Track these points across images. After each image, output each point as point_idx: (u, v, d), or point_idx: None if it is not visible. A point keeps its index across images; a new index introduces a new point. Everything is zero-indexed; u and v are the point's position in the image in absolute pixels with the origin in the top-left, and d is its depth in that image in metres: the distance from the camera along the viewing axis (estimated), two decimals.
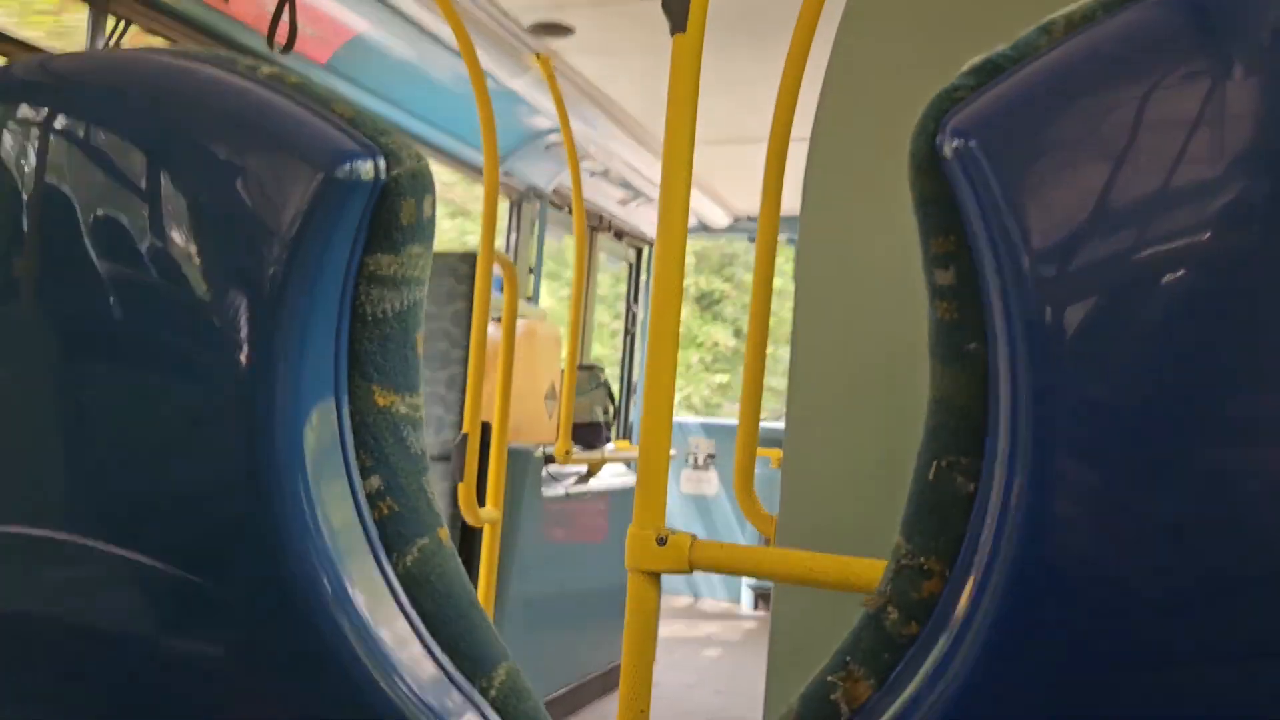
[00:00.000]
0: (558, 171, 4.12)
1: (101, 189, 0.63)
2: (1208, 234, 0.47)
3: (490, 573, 2.65)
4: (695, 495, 5.55)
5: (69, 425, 0.66)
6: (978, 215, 0.50)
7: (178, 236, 0.61)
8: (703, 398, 9.97)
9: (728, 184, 4.80)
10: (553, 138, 3.83)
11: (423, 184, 0.61)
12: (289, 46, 2.23)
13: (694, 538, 1.14)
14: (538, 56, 3.08)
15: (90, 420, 0.65)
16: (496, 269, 2.61)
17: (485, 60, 2.91)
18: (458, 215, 6.81)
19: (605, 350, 6.44)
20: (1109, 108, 0.48)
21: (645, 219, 5.01)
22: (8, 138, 0.67)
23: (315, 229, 0.58)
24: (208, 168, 0.61)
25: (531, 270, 4.25)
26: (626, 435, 4.99)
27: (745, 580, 5.45)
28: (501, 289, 2.85)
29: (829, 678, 0.56)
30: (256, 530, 0.60)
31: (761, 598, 5.47)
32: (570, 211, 4.25)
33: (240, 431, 0.60)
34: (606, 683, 3.61)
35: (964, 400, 0.53)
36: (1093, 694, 0.49)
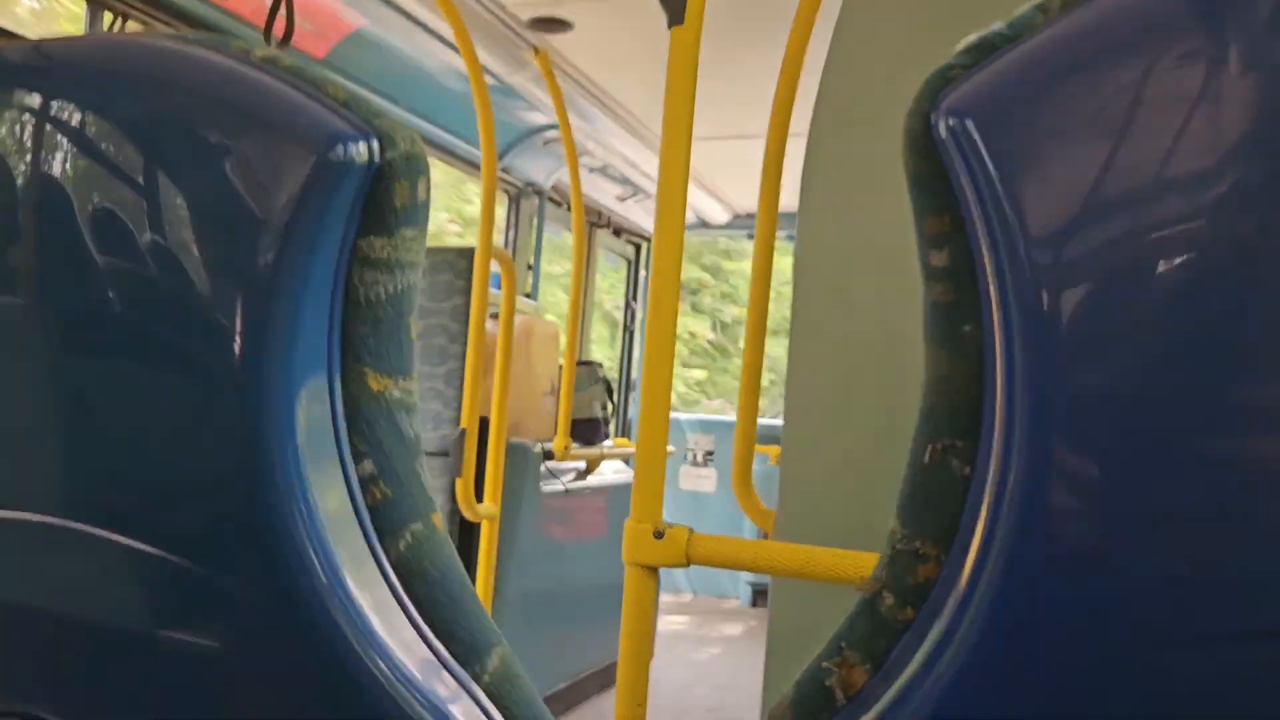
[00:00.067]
0: (556, 168, 4.11)
1: (94, 173, 0.63)
2: (1208, 215, 0.46)
3: (488, 568, 2.65)
4: (694, 492, 5.55)
5: (61, 410, 0.65)
6: (973, 195, 0.49)
7: (170, 219, 0.61)
8: (678, 394, 9.86)
9: (726, 180, 4.80)
10: (551, 134, 3.82)
11: (417, 167, 0.61)
12: (286, 41, 2.23)
13: (691, 531, 1.14)
14: (536, 52, 3.07)
15: (83, 404, 0.64)
16: (495, 265, 2.61)
17: (483, 56, 2.90)
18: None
19: (604, 351, 6.42)
20: (1106, 86, 0.48)
21: (643, 215, 5.00)
22: (1, 122, 0.66)
23: (308, 211, 0.58)
24: (200, 150, 0.61)
25: (530, 267, 4.24)
26: (625, 432, 4.98)
27: (742, 576, 5.45)
28: (499, 285, 2.85)
29: (824, 663, 0.55)
30: (249, 515, 0.59)
31: (759, 594, 5.46)
32: (569, 208, 4.24)
33: (233, 416, 0.60)
34: (604, 679, 3.61)
35: (959, 383, 0.52)
36: (1088, 678, 0.49)
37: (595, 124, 3.81)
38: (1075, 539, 0.49)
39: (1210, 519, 0.47)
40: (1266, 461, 0.46)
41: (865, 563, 0.99)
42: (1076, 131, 0.48)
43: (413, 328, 0.65)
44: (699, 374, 9.72)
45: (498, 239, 4.07)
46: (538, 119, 3.75)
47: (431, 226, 0.68)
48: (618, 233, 5.03)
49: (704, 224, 5.39)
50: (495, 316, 3.01)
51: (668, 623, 4.88)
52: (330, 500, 0.60)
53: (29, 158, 0.65)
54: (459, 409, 2.96)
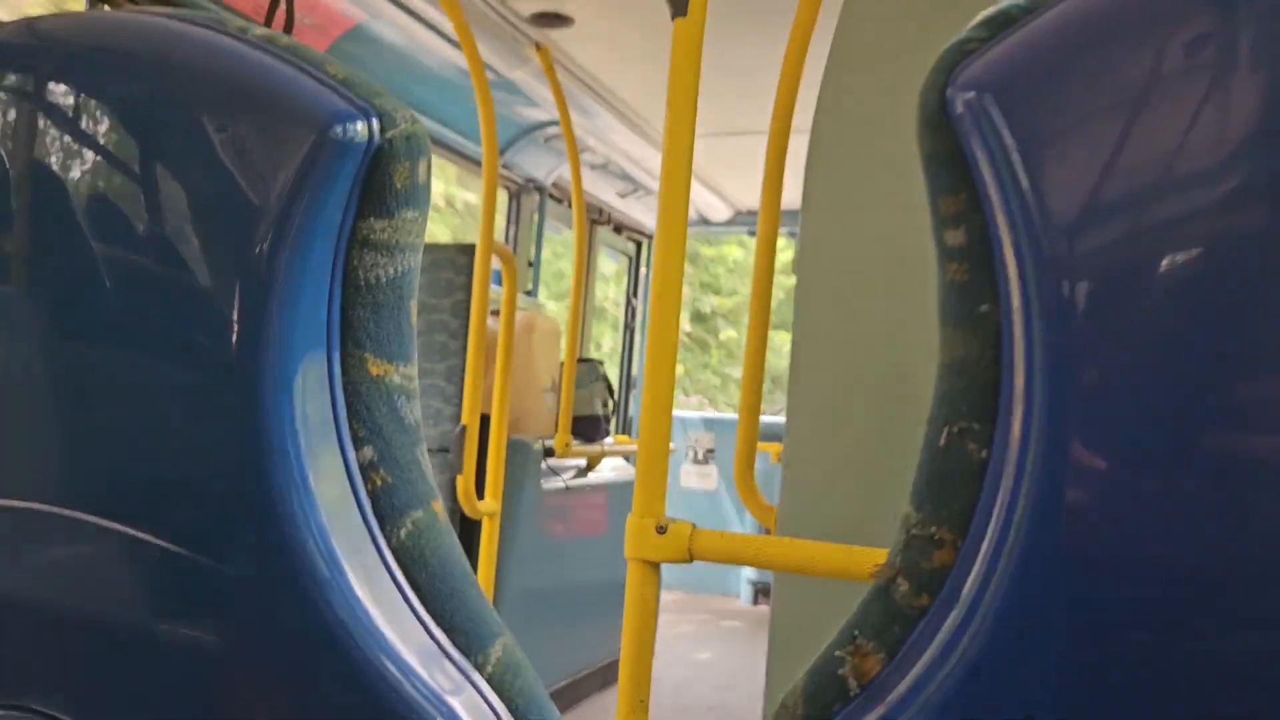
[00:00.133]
0: (557, 164, 4.10)
1: (87, 153, 0.62)
2: (1239, 196, 0.45)
3: (489, 565, 2.64)
4: (695, 490, 5.54)
5: (57, 397, 0.64)
6: (990, 172, 0.48)
7: (166, 200, 0.60)
8: None
9: (728, 177, 4.79)
10: (552, 130, 3.81)
11: (417, 147, 0.60)
12: (286, 35, 2.22)
13: (694, 527, 1.13)
14: (537, 47, 3.07)
15: (79, 391, 0.63)
16: (496, 262, 2.60)
17: (484, 51, 2.89)
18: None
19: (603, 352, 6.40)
20: (1127, 59, 0.47)
21: (644, 212, 4.99)
22: None
23: (307, 191, 0.57)
24: (197, 128, 0.60)
25: (531, 264, 4.24)
26: (626, 430, 4.97)
27: (743, 574, 5.44)
28: (500, 281, 2.84)
29: (836, 652, 0.54)
30: (247, 502, 0.58)
31: (762, 592, 5.46)
32: (569, 205, 4.23)
33: (231, 401, 0.58)
34: (605, 676, 3.60)
35: (975, 364, 0.51)
36: (1105, 666, 0.47)
37: (596, 120, 3.81)
38: (1094, 526, 0.47)
39: (1235, 512, 0.45)
40: None
41: (868, 558, 0.98)
42: (1098, 106, 0.47)
43: (413, 312, 0.64)
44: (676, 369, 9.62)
45: (498, 236, 4.06)
46: (539, 115, 3.74)
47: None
48: (618, 230, 5.02)
49: (705, 221, 5.38)
50: (496, 313, 3.00)
51: (668, 620, 4.87)
52: (330, 487, 0.59)
53: (20, 138, 0.64)
54: (459, 405, 2.96)
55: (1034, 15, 0.49)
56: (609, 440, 3.67)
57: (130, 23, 0.66)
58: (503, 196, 4.08)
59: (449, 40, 2.97)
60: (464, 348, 2.98)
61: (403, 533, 0.61)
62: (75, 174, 0.62)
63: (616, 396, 4.31)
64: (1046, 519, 0.47)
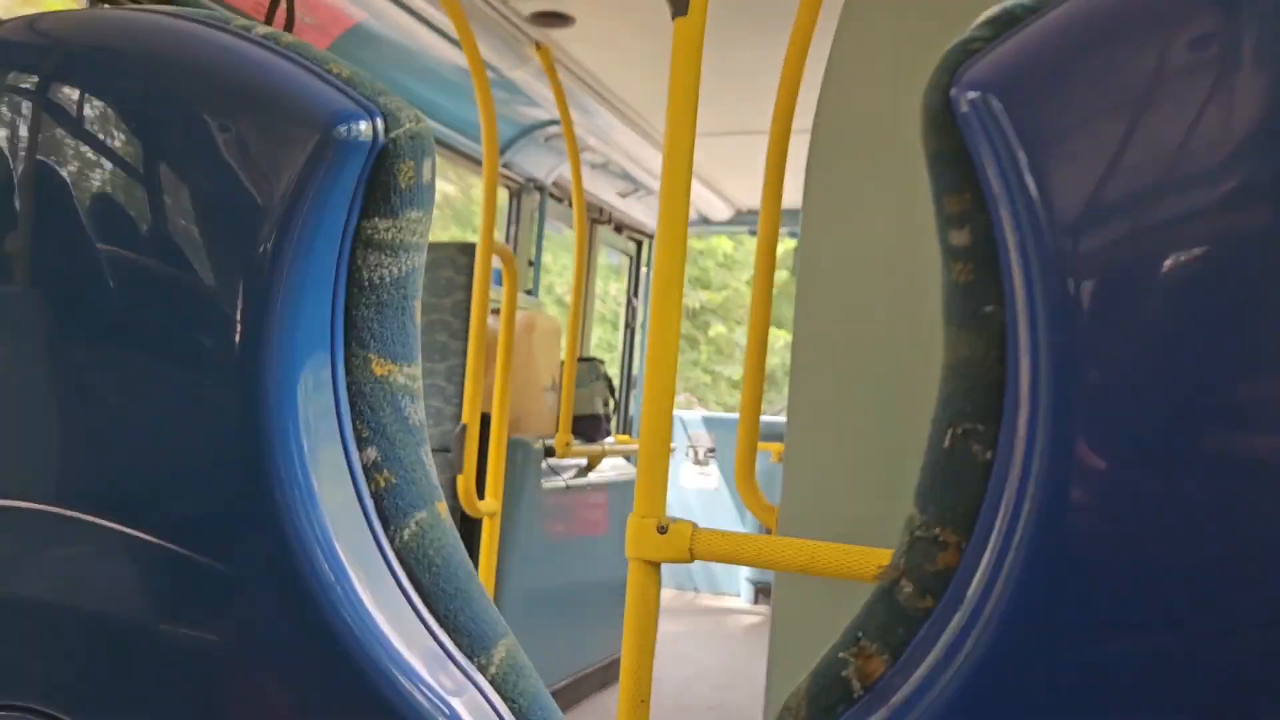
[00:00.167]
0: (557, 163, 4.10)
1: (89, 153, 0.62)
2: (1242, 195, 0.45)
3: (489, 565, 2.64)
4: (695, 490, 5.54)
5: (59, 397, 0.64)
6: (996, 172, 0.48)
7: (169, 199, 0.60)
8: None
9: (729, 177, 4.79)
10: (552, 129, 3.81)
11: (422, 147, 0.60)
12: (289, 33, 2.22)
13: (695, 526, 1.13)
14: (538, 47, 3.07)
15: (81, 391, 0.63)
16: (496, 261, 2.60)
17: (485, 50, 2.89)
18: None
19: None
20: (1132, 58, 0.47)
21: (644, 212, 4.99)
22: None
23: (311, 191, 0.56)
24: (200, 127, 0.60)
25: (531, 263, 4.24)
26: (626, 429, 4.97)
27: (743, 574, 5.44)
28: (501, 281, 2.84)
29: (840, 654, 0.54)
30: (250, 503, 0.58)
31: (761, 592, 5.46)
32: (570, 204, 4.23)
33: (234, 401, 0.58)
34: (606, 676, 3.60)
35: (980, 365, 0.51)
36: (1111, 669, 0.47)
37: (597, 119, 3.81)
38: (1099, 527, 0.47)
39: (1241, 513, 0.45)
40: None
41: (870, 558, 0.98)
42: (1103, 105, 0.47)
43: (417, 312, 0.64)
44: None
45: (498, 235, 4.05)
46: (539, 114, 3.74)
47: None
48: (619, 229, 5.02)
49: (705, 220, 5.38)
50: (497, 312, 3.00)
51: (669, 620, 4.87)
52: (333, 488, 0.59)
53: (21, 137, 0.63)
54: (460, 405, 2.96)
55: (1038, 15, 0.49)
56: (609, 440, 3.67)
57: (132, 21, 0.66)
58: (503, 196, 4.08)
59: (449, 39, 2.97)
60: (464, 347, 2.98)
61: (406, 534, 0.61)
62: (77, 174, 0.62)
63: (617, 395, 4.31)
64: (1051, 520, 0.47)
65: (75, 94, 0.63)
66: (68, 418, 0.64)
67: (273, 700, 0.60)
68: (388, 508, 0.61)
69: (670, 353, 1.14)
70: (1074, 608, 0.47)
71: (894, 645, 0.53)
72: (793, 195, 1.42)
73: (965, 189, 0.50)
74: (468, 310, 2.99)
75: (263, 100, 0.59)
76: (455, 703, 0.58)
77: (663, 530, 1.13)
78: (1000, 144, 0.48)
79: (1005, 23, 0.50)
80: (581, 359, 3.76)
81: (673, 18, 1.20)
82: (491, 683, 0.60)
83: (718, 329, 9.95)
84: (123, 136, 0.61)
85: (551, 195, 4.30)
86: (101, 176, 0.61)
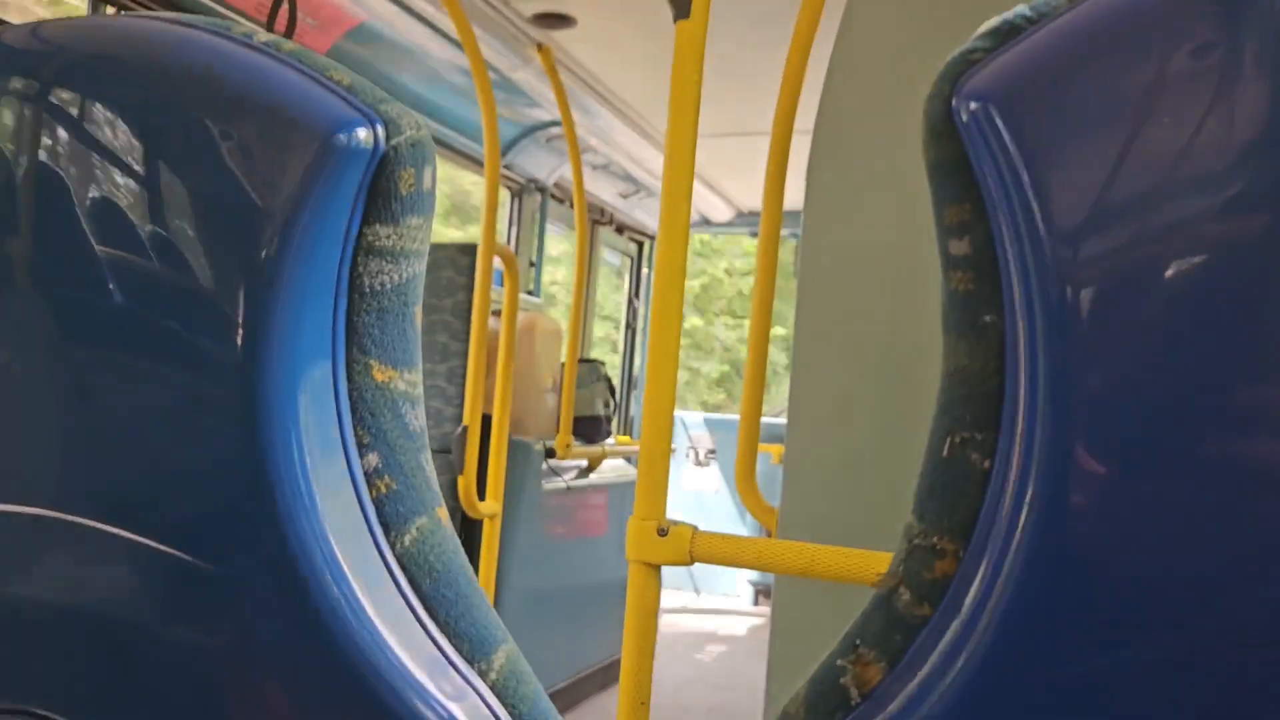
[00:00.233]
0: (559, 164, 4.11)
1: (91, 158, 0.62)
2: (1242, 205, 0.45)
3: (490, 566, 2.65)
4: (695, 491, 5.55)
5: (59, 402, 0.64)
6: (996, 182, 0.48)
7: (170, 205, 0.60)
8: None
9: (730, 178, 4.79)
10: (554, 130, 3.82)
11: (423, 154, 0.60)
12: (288, 35, 2.22)
13: (695, 529, 1.13)
14: (539, 48, 3.07)
15: (81, 396, 0.63)
16: (497, 262, 2.60)
17: (486, 52, 2.89)
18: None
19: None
20: (1134, 69, 0.47)
21: (646, 214, 4.99)
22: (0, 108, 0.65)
23: (312, 198, 0.57)
24: (201, 134, 0.60)
25: (532, 264, 4.24)
26: (627, 430, 4.98)
27: (743, 575, 5.44)
28: (502, 282, 2.84)
29: (838, 661, 0.54)
30: (251, 508, 0.58)
31: (762, 593, 5.46)
32: (571, 205, 4.24)
33: (234, 407, 0.58)
34: (606, 677, 3.61)
35: (979, 374, 0.51)
36: (1108, 677, 0.47)
37: (598, 120, 3.81)
38: (1098, 536, 0.47)
39: (1240, 521, 0.45)
40: None
41: (869, 561, 0.98)
42: (1105, 116, 0.47)
43: (418, 317, 0.64)
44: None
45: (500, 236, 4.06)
46: (541, 115, 3.74)
47: None
48: (620, 230, 5.02)
49: (707, 221, 5.39)
50: (498, 314, 3.01)
51: (669, 621, 4.87)
52: (334, 494, 0.59)
53: (24, 144, 0.64)
54: (461, 406, 2.96)
55: (1038, 25, 0.49)
56: (610, 441, 3.68)
57: (134, 28, 0.66)
58: (504, 196, 4.09)
59: (451, 40, 2.97)
60: (465, 348, 2.98)
61: (407, 539, 0.61)
62: (79, 180, 0.62)
63: (618, 397, 4.31)
64: (1049, 529, 0.47)
65: (77, 100, 0.63)
66: (69, 423, 0.64)
67: (273, 705, 0.60)
68: (388, 514, 0.61)
69: (671, 354, 1.14)
70: (1072, 617, 0.47)
71: (892, 653, 0.53)
72: (794, 196, 1.42)
73: (965, 199, 0.50)
74: (468, 311, 2.99)
75: (264, 107, 0.59)
76: (456, 709, 0.58)
77: (663, 533, 1.13)
78: (1001, 154, 0.48)
79: (1006, 33, 0.50)
80: (582, 360, 3.76)
81: (675, 20, 1.20)
82: (492, 689, 0.60)
83: (694, 321, 9.37)
84: (124, 143, 0.62)
85: (553, 196, 4.30)
86: (103, 183, 0.61)
